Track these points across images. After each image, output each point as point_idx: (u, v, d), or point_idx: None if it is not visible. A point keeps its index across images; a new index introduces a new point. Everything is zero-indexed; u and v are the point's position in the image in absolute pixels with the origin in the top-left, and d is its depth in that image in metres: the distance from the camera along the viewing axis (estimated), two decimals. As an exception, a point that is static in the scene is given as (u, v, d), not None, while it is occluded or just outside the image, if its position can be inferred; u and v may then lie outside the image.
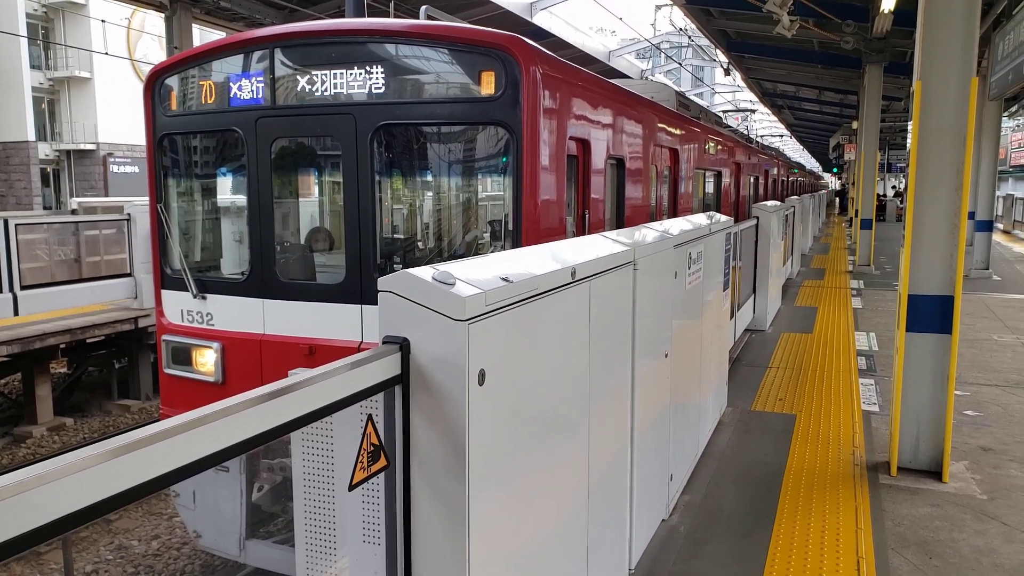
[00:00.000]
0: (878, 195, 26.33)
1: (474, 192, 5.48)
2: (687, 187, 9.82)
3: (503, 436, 2.46)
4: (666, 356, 4.61)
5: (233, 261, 6.15)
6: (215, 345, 5.73)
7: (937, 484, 5.40)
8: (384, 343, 2.16)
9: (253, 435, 1.70)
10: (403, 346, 2.14)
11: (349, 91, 5.12)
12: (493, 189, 5.39)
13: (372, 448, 2.04)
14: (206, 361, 5.79)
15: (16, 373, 12.02)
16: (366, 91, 5.06)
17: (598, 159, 6.13)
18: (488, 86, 4.82)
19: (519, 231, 4.86)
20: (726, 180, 13.22)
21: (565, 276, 2.92)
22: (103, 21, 30.27)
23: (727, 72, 30.28)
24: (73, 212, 19.85)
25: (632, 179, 7.25)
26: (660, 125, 8.39)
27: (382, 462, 2.09)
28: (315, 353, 5.27)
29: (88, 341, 12.12)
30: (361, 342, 5.22)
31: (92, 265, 13.38)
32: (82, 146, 39.87)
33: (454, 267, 2.34)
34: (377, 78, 5.03)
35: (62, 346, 11.49)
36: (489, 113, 4.85)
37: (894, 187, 52.33)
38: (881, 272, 18.14)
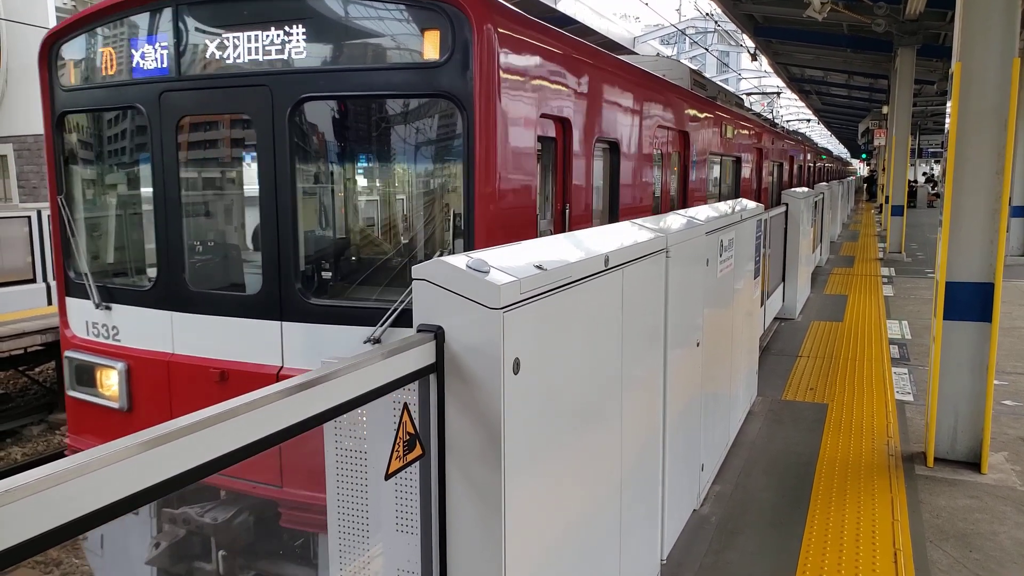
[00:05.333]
0: (909, 181, 25.88)
1: (420, 181, 4.60)
2: (700, 175, 8.82)
3: (537, 425, 2.43)
4: (698, 345, 4.54)
5: (144, 265, 5.24)
6: (119, 365, 4.86)
7: (976, 475, 5.29)
8: (418, 331, 2.14)
9: (288, 425, 1.68)
10: (437, 334, 2.11)
11: (265, 57, 4.25)
12: (442, 177, 4.50)
13: (408, 437, 2.02)
14: (111, 383, 4.94)
15: (51, 361, 12.23)
16: (285, 57, 4.20)
17: (583, 142, 5.21)
18: (431, 49, 3.95)
19: (471, 228, 4.01)
20: (746, 167, 12.18)
21: (598, 264, 2.88)
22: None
23: (754, 57, 29.84)
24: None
25: (630, 166, 6.27)
26: (667, 104, 7.41)
27: (418, 451, 2.07)
28: (228, 379, 4.47)
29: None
30: (281, 367, 4.37)
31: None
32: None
33: (487, 254, 2.31)
34: (297, 41, 4.16)
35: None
36: (433, 82, 3.98)
37: (925, 173, 51.40)
38: (913, 259, 17.82)
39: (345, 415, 1.87)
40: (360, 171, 4.83)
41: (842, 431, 6.24)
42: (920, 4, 15.94)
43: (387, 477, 2.03)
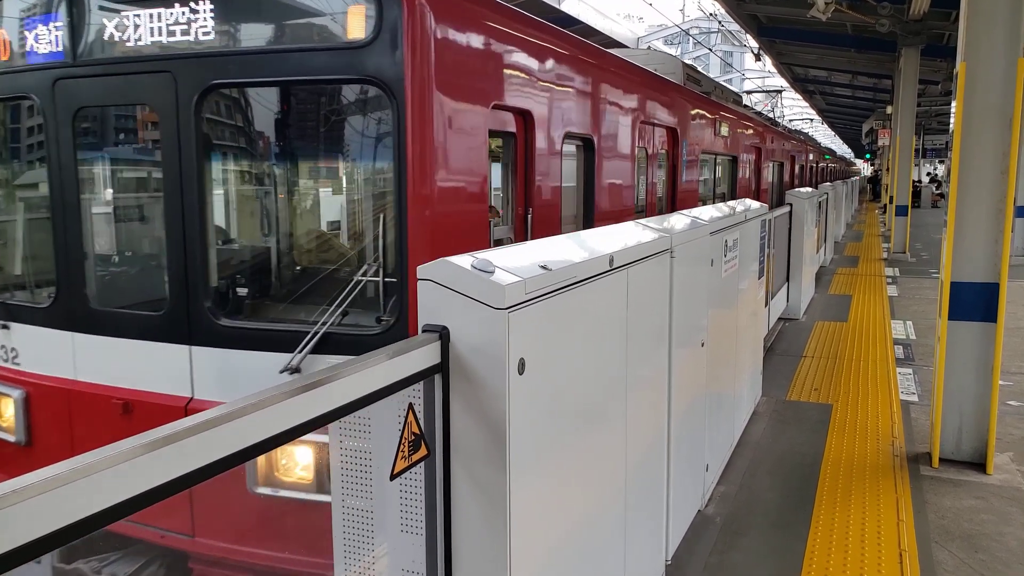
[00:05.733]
0: (913, 181, 25.87)
1: (349, 182, 4.05)
2: (691, 175, 8.22)
3: (542, 425, 2.43)
4: (702, 345, 4.54)
5: (49, 279, 4.56)
6: (16, 393, 4.30)
7: (981, 476, 5.27)
8: (423, 332, 2.14)
9: (295, 425, 1.68)
10: (443, 335, 2.11)
11: (169, 38, 3.71)
12: (373, 177, 3.91)
13: (413, 437, 2.02)
14: (7, 414, 4.41)
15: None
16: (191, 38, 3.69)
17: (549, 137, 4.66)
18: (356, 26, 3.44)
19: (404, 237, 3.46)
20: (744, 167, 11.59)
21: (603, 264, 2.88)
22: None
23: (758, 57, 29.89)
24: None
25: (607, 166, 5.68)
26: (654, 99, 6.85)
27: (423, 451, 2.07)
28: (132, 411, 3.96)
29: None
30: (191, 399, 3.85)
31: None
32: None
33: (492, 254, 2.31)
34: (204, 20, 3.66)
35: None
36: (357, 65, 3.45)
37: (929, 173, 51.32)
38: (917, 259, 17.79)
39: (350, 415, 1.88)
40: (280, 171, 4.18)
41: (847, 432, 6.23)
42: (924, 4, 15.91)
43: (392, 477, 2.03)
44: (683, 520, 4.43)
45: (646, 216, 6.37)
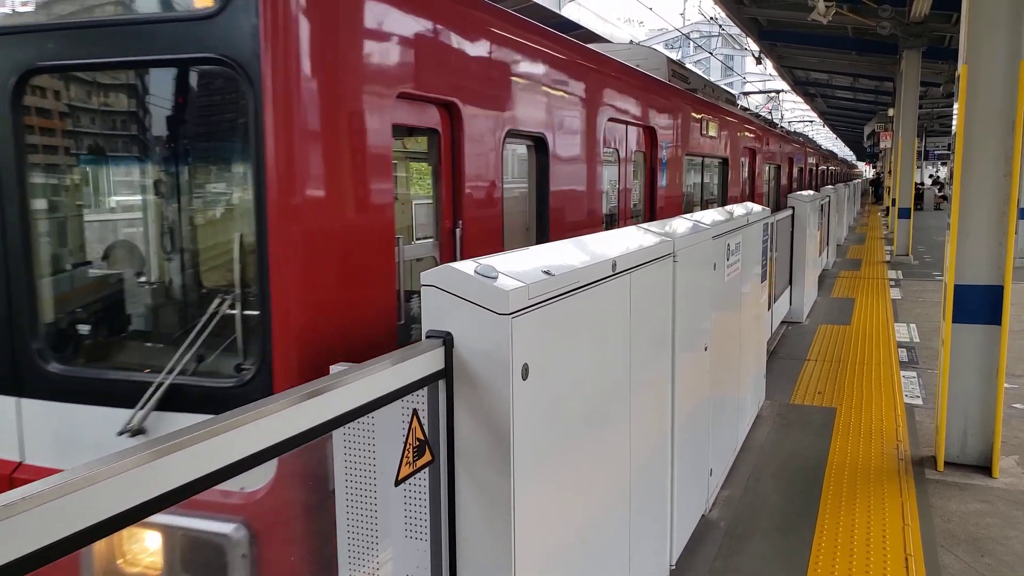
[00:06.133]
0: (916, 183, 25.84)
1: (202, 191, 3.32)
2: (672, 180, 7.42)
3: (546, 430, 2.43)
4: (705, 349, 4.53)
5: None
6: None
7: (987, 479, 5.26)
8: (427, 337, 2.14)
9: (299, 432, 1.68)
10: (446, 340, 2.11)
11: None
12: (230, 184, 3.20)
13: (417, 443, 2.02)
14: None
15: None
16: (6, 10, 3.05)
17: (485, 136, 3.92)
18: None
19: (265, 260, 2.73)
20: (736, 171, 10.85)
21: (606, 269, 2.88)
22: None
23: (758, 61, 29.89)
24: None
25: (565, 169, 4.92)
26: (626, 94, 6.16)
27: (427, 457, 2.06)
28: None
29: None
30: (20, 463, 3.19)
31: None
32: None
33: (495, 260, 2.31)
34: None
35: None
36: (205, 40, 2.73)
37: (932, 175, 51.30)
38: (920, 262, 17.76)
39: (354, 421, 1.87)
40: (124, 177, 3.48)
41: (851, 435, 6.21)
42: (925, 6, 15.93)
43: (397, 483, 2.03)
44: (687, 524, 4.42)
45: (616, 227, 5.73)
